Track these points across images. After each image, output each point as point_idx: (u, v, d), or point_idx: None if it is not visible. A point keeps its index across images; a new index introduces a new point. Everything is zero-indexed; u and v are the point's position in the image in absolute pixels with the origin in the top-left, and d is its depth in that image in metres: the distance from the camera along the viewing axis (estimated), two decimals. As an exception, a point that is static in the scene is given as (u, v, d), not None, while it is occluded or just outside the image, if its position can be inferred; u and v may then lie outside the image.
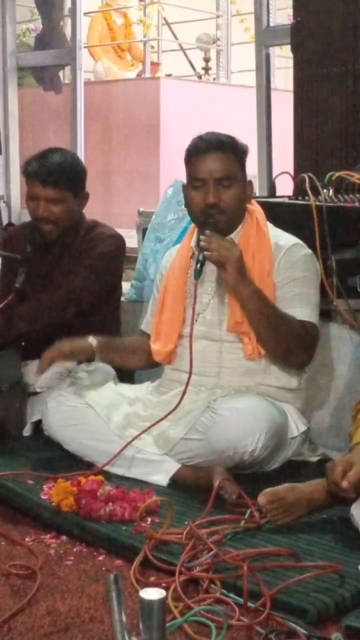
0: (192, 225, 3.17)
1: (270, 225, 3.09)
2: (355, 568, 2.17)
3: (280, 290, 2.97)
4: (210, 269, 2.98)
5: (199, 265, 2.86)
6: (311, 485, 2.53)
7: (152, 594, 1.15)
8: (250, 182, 3.09)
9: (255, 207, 3.12)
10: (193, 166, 3.00)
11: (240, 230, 3.05)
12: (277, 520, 2.48)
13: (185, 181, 3.10)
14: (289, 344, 2.93)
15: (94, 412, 3.02)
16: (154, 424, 2.87)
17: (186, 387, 2.82)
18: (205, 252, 2.83)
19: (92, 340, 3.15)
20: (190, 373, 2.83)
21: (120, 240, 3.54)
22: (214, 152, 2.96)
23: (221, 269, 2.86)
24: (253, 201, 3.13)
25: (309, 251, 3.05)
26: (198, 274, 2.86)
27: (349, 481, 2.34)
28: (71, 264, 3.46)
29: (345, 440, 3.07)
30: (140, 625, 1.14)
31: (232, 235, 3.01)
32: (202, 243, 2.83)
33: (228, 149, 2.98)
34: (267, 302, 2.89)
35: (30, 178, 3.40)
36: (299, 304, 2.95)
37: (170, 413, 2.84)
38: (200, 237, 2.86)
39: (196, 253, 3.01)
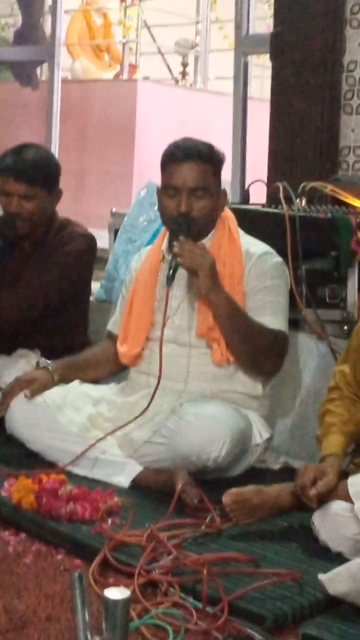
0: (164, 228, 3.17)
1: (241, 232, 3.10)
2: (314, 577, 2.17)
3: (250, 298, 2.98)
4: (180, 273, 2.96)
5: (171, 272, 2.85)
6: (277, 489, 2.55)
7: (116, 593, 1.15)
8: (224, 191, 3.09)
9: (227, 214, 3.12)
10: (168, 174, 3.00)
11: (212, 237, 3.05)
12: (239, 521, 2.50)
13: (159, 185, 3.10)
14: (259, 352, 2.94)
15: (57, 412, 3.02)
16: (119, 428, 2.87)
17: (154, 392, 2.82)
18: (177, 259, 2.83)
19: (51, 366, 3.15)
20: (159, 379, 2.83)
21: (91, 240, 3.54)
22: (190, 162, 2.95)
23: (193, 276, 2.86)
24: (225, 208, 3.13)
25: (280, 259, 3.06)
26: (170, 280, 2.85)
27: (318, 490, 2.38)
28: (41, 261, 3.44)
29: (307, 450, 3.09)
30: (104, 625, 1.13)
31: (203, 242, 3.00)
32: (174, 249, 2.82)
33: (204, 159, 2.98)
34: (238, 309, 2.90)
35: (3, 173, 3.37)
36: (269, 313, 2.96)
37: (136, 418, 2.83)
38: (174, 243, 2.86)
39: (167, 257, 3.02)
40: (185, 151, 2.97)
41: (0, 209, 3.46)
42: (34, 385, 3.07)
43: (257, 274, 3.00)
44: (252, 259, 3.01)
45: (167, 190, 2.99)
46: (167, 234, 3.10)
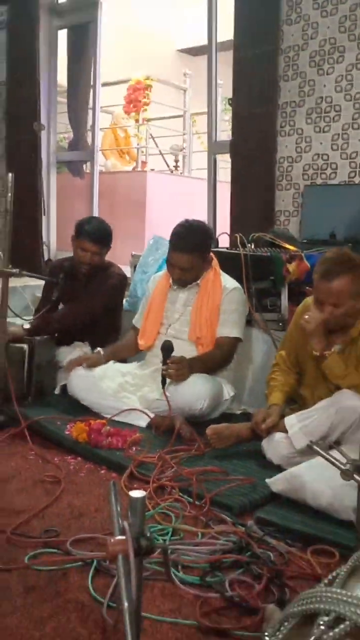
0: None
1: (222, 272, 3.07)
2: (263, 480, 2.18)
3: (222, 314, 2.98)
4: (180, 296, 3.00)
5: (162, 380, 2.77)
6: (240, 426, 2.56)
7: (137, 494, 1.15)
8: (211, 257, 3.04)
9: (215, 261, 3.09)
10: (170, 252, 2.98)
11: (204, 277, 3.03)
12: (216, 446, 2.51)
13: (162, 238, 3.09)
14: (218, 367, 2.97)
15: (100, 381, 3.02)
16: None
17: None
18: (167, 377, 2.76)
19: (101, 350, 3.15)
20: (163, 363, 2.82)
21: (124, 277, 3.52)
22: (181, 253, 2.92)
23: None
24: (212, 255, 3.09)
25: (243, 293, 3.05)
26: (163, 385, 2.77)
27: (266, 425, 2.40)
28: (91, 289, 3.42)
29: (257, 402, 3.10)
30: (129, 514, 1.14)
31: (198, 282, 3.01)
32: (163, 372, 2.75)
33: (194, 251, 2.93)
34: (201, 362, 2.87)
35: (83, 236, 3.35)
36: (230, 325, 2.97)
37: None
38: (163, 367, 2.76)
39: (173, 286, 3.04)
40: (180, 243, 2.92)
41: (77, 258, 3.41)
42: (90, 361, 3.08)
43: (228, 301, 3.00)
44: (227, 291, 3.01)
45: (168, 260, 2.99)
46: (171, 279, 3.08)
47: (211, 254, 3.07)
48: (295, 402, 2.59)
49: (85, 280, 3.48)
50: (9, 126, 5.55)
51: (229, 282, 3.05)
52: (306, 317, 2.35)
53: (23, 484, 2.28)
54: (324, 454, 1.63)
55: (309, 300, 2.49)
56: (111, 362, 3.17)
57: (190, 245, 2.92)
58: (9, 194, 2.86)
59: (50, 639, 1.44)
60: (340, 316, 2.30)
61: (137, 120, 7.93)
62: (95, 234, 3.34)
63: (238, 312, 3.00)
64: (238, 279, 3.09)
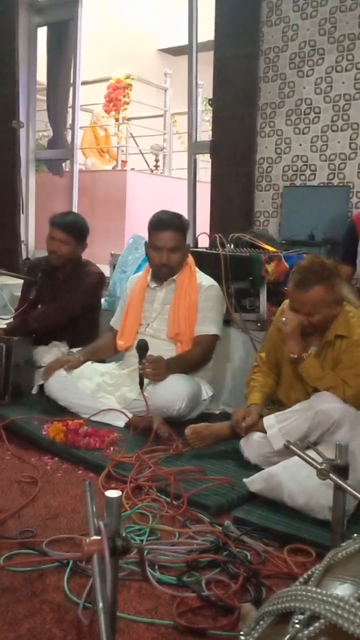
0: (147, 264, 3.16)
1: (197, 270, 3.08)
2: (240, 480, 2.19)
3: (200, 312, 2.98)
4: (158, 295, 2.97)
5: (140, 381, 2.75)
6: (219, 425, 2.56)
7: (113, 494, 1.15)
8: (189, 245, 3.05)
9: (190, 259, 3.09)
10: (154, 236, 2.96)
11: (180, 274, 3.03)
12: (195, 445, 2.51)
13: (142, 237, 3.07)
14: (197, 365, 2.96)
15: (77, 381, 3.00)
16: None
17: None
18: (144, 376, 2.74)
19: (79, 351, 3.11)
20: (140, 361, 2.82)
21: (101, 276, 3.51)
22: (168, 230, 2.92)
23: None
24: (189, 252, 3.11)
25: (219, 290, 3.05)
26: (141, 385, 2.75)
27: (246, 424, 2.40)
28: (69, 287, 3.41)
29: (236, 401, 3.11)
30: (105, 514, 1.13)
31: (174, 277, 3.00)
32: (140, 372, 2.74)
33: (177, 228, 2.94)
34: (179, 362, 2.86)
35: (53, 225, 3.37)
36: (208, 323, 2.97)
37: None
38: (139, 366, 2.75)
39: (151, 285, 3.02)
40: (165, 223, 2.93)
41: (47, 247, 3.41)
42: (69, 363, 3.06)
43: (205, 298, 3.00)
44: (202, 289, 3.01)
45: (153, 246, 2.98)
46: (150, 270, 3.09)
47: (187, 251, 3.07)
48: (274, 403, 2.60)
49: (63, 278, 3.46)
50: (-12, 123, 5.50)
51: (204, 279, 3.05)
52: (283, 319, 2.36)
53: (-1, 484, 2.26)
54: (301, 453, 1.63)
55: (287, 302, 2.50)
56: (89, 362, 3.15)
57: (173, 222, 2.94)
58: (-13, 192, 2.84)
59: (25, 640, 1.43)
60: (316, 322, 2.32)
61: (117, 119, 7.90)
62: (65, 223, 3.35)
63: (215, 309, 3.00)
64: (217, 279, 3.10)
